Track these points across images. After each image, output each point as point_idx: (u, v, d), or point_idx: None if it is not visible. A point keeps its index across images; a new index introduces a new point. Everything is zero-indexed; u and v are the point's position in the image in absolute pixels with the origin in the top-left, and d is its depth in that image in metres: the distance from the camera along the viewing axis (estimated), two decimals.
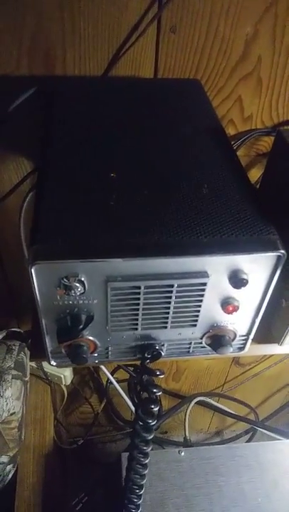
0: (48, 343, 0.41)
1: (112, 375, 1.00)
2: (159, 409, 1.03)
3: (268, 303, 0.43)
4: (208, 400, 0.90)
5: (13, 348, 0.83)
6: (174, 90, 0.55)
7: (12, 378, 0.76)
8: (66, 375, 0.88)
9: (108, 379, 0.94)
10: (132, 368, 1.00)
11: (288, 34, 0.61)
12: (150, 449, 0.48)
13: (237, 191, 0.40)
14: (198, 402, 1.09)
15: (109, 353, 0.44)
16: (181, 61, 0.61)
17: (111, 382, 0.89)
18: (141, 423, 0.42)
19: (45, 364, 0.89)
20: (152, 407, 0.42)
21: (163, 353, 0.44)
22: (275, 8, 0.58)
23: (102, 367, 0.81)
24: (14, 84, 0.60)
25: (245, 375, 1.21)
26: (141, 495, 0.55)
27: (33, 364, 0.89)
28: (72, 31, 0.57)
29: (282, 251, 0.35)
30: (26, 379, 0.82)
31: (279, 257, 0.36)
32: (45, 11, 0.54)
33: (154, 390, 0.42)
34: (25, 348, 0.87)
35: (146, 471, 0.52)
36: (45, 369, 0.88)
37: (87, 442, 1.20)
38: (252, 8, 0.58)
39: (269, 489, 0.65)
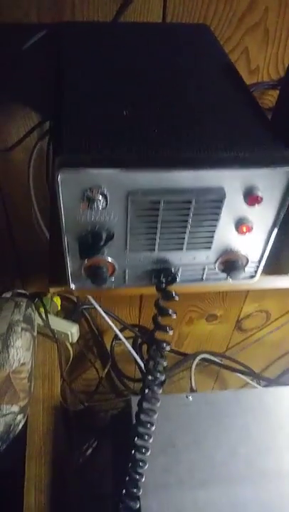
0: (70, 263, 0.42)
1: (116, 340, 1.02)
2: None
3: (278, 233, 0.45)
4: (212, 358, 0.92)
5: (21, 304, 0.85)
6: (183, 32, 0.56)
7: (22, 330, 0.78)
8: (73, 331, 0.90)
9: (114, 337, 0.96)
10: (136, 329, 1.02)
11: None
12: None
13: (251, 117, 0.42)
14: (200, 367, 1.11)
15: (127, 276, 0.45)
16: (189, 8, 0.62)
17: (117, 339, 0.90)
18: (157, 346, 0.44)
19: (51, 321, 0.90)
20: (168, 329, 0.44)
21: (178, 278, 0.45)
22: None
23: (110, 321, 0.82)
24: (23, 32, 0.60)
25: (248, 341, 1.23)
26: (148, 447, 0.56)
27: (40, 322, 0.90)
28: None
29: None
30: (34, 334, 0.84)
31: None
32: None
33: (170, 311, 0.43)
34: (33, 306, 0.88)
35: (155, 416, 0.53)
36: (52, 326, 0.89)
37: (90, 408, 1.22)
38: None
39: (274, 431, 0.67)
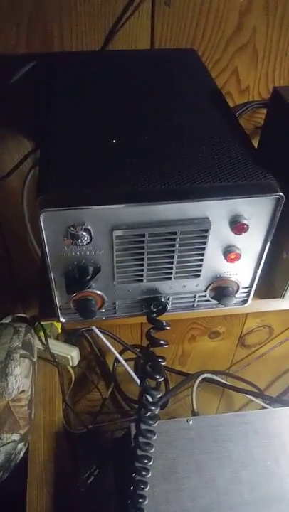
0: (58, 298, 0.42)
1: (117, 361, 1.01)
2: (166, 386, 1.04)
3: (270, 256, 0.44)
4: (215, 377, 0.91)
5: (20, 329, 0.84)
6: (170, 58, 0.56)
7: (20, 357, 0.77)
8: (73, 355, 0.89)
9: (115, 358, 0.95)
10: (138, 349, 1.01)
11: (281, 6, 0.62)
12: (158, 410, 0.48)
13: (236, 145, 0.41)
14: (205, 384, 1.10)
15: (117, 307, 0.45)
16: (177, 34, 0.62)
17: (118, 361, 0.90)
18: (149, 378, 0.43)
19: (52, 345, 0.90)
20: (160, 360, 0.43)
21: (168, 307, 0.45)
22: None
23: (110, 345, 0.82)
24: (14, 62, 0.61)
25: (252, 357, 1.21)
26: (149, 469, 0.55)
27: (40, 346, 0.90)
28: (68, 8, 0.58)
29: (281, 193, 0.36)
30: (34, 359, 0.83)
31: (278, 200, 0.37)
32: None
33: (162, 342, 0.43)
34: (32, 330, 0.88)
35: (154, 437, 0.52)
36: (52, 350, 0.89)
37: (95, 429, 1.21)
38: None
39: (277, 453, 0.66)
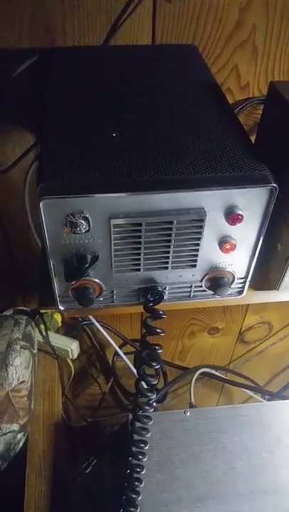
0: (57, 285, 0.43)
1: (117, 355, 1.02)
2: (164, 380, 1.05)
3: (265, 248, 0.45)
4: (213, 372, 0.92)
5: (21, 321, 0.86)
6: (171, 54, 0.57)
7: (20, 348, 0.79)
8: (73, 348, 0.90)
9: (115, 352, 0.96)
10: (138, 344, 1.02)
11: (281, 2, 0.63)
12: (154, 397, 0.49)
13: (233, 138, 0.42)
14: (205, 379, 1.11)
15: (114, 296, 0.46)
16: (178, 30, 0.63)
17: (118, 356, 0.91)
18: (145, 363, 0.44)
19: (52, 338, 0.91)
20: (156, 348, 0.44)
21: (165, 296, 0.46)
22: None
23: (110, 339, 0.83)
24: (16, 56, 0.62)
25: (251, 353, 1.22)
26: (143, 465, 0.55)
27: (40, 338, 0.91)
28: (71, 3, 0.59)
29: (274, 184, 0.37)
30: (34, 351, 0.84)
31: (272, 191, 0.38)
32: None
33: (158, 330, 0.44)
34: (33, 323, 0.89)
35: (150, 422, 0.53)
36: (52, 343, 0.90)
37: (94, 423, 1.22)
38: None
39: (272, 445, 0.67)
